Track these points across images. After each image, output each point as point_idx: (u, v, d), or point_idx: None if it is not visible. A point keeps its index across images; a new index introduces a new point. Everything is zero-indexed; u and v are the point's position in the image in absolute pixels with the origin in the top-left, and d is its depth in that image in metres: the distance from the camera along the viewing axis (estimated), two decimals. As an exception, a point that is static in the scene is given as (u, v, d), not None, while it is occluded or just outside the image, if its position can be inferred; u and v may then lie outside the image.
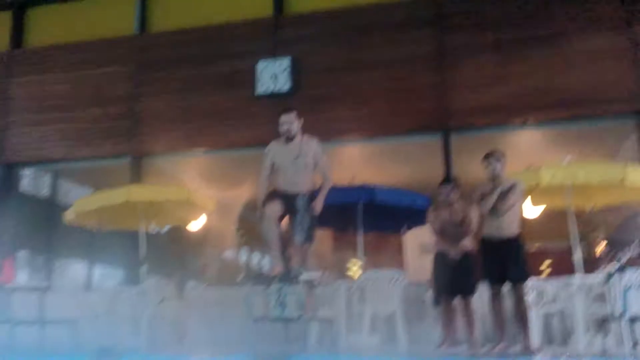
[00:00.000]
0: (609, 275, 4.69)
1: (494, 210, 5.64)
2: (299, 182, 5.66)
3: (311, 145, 5.77)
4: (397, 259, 12.25)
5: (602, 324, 5.02)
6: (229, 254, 13.55)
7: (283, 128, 5.73)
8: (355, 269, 11.99)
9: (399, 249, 11.89)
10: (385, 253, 13.46)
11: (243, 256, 14.17)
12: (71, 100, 10.15)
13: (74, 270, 11.99)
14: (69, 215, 8.44)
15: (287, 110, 5.85)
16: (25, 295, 7.23)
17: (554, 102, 8.38)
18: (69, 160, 10.23)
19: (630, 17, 8.38)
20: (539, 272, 9.37)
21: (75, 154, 10.04)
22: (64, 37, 10.69)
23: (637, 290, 4.97)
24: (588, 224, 10.16)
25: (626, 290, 4.61)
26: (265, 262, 7.45)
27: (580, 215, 9.28)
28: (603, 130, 8.83)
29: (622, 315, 4.50)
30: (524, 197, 7.59)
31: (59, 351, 5.94)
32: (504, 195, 5.66)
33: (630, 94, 8.18)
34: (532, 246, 12.31)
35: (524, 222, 9.94)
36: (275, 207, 5.61)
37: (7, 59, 10.77)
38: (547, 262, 10.93)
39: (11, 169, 10.48)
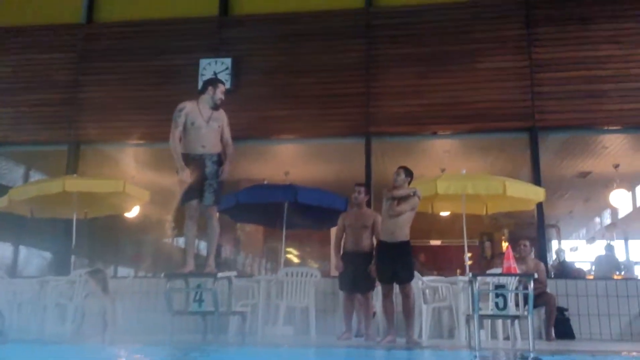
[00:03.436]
0: (469, 280, 5.46)
1: (389, 216, 6.23)
2: (210, 143, 6.00)
3: (221, 113, 6.16)
4: (325, 253, 12.89)
5: (468, 320, 5.77)
6: (162, 244, 13.75)
7: (221, 98, 6.10)
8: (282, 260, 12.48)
9: (327, 244, 12.48)
10: (313, 247, 14.12)
11: (175, 247, 14.43)
12: (13, 84, 10.22)
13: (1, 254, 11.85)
14: (1, 203, 8.54)
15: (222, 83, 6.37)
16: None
17: (459, 116, 9.09)
18: (8, 144, 10.31)
19: (532, 40, 9.14)
20: (449, 268, 10.17)
21: (14, 138, 10.11)
22: (9, 21, 10.68)
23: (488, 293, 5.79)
24: (492, 225, 11.12)
25: (478, 293, 5.38)
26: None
27: (482, 219, 10.13)
28: (503, 142, 9.66)
29: (473, 314, 5.31)
30: (427, 204, 8.39)
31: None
32: (399, 201, 6.22)
33: (525, 112, 8.97)
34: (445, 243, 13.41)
35: (440, 222, 10.89)
36: (194, 203, 5.92)
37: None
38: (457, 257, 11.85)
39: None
